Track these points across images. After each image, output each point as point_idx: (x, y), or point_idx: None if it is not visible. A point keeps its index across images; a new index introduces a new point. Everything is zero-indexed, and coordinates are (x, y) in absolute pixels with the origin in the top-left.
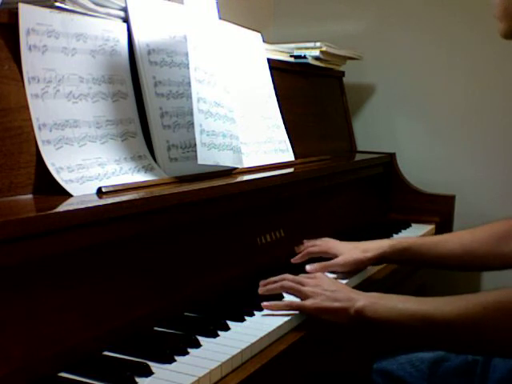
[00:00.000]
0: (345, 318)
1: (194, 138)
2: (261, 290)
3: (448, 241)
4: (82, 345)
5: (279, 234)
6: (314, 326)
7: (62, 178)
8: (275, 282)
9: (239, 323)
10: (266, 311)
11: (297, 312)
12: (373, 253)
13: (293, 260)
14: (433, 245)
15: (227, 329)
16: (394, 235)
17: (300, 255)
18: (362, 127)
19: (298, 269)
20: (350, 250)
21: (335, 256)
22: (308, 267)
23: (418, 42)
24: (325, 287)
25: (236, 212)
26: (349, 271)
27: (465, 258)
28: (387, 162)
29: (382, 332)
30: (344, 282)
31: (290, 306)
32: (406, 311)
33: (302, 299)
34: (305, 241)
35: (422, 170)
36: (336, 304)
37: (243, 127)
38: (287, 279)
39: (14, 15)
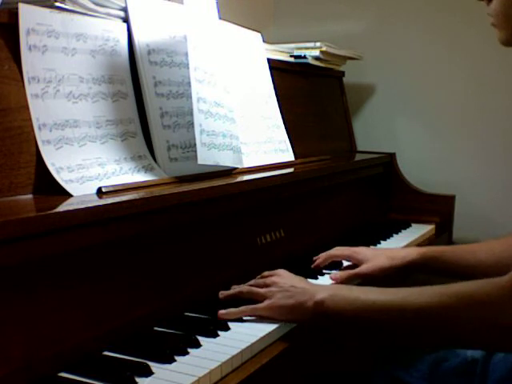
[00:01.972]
0: (301, 314)
1: (194, 138)
2: (221, 296)
3: (478, 250)
4: (81, 345)
5: (279, 233)
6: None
7: (62, 178)
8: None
9: (239, 323)
10: None
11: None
12: (400, 261)
13: (313, 266)
14: (464, 254)
15: (227, 329)
16: (394, 235)
17: (321, 258)
18: (362, 127)
19: (300, 269)
20: (375, 257)
21: (359, 262)
22: (332, 276)
23: (418, 42)
24: (281, 284)
25: (236, 212)
26: (374, 279)
27: (495, 268)
28: (387, 162)
29: (344, 326)
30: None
31: (245, 311)
32: (371, 302)
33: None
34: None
35: (422, 170)
36: (290, 301)
37: (243, 127)
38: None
39: (14, 15)
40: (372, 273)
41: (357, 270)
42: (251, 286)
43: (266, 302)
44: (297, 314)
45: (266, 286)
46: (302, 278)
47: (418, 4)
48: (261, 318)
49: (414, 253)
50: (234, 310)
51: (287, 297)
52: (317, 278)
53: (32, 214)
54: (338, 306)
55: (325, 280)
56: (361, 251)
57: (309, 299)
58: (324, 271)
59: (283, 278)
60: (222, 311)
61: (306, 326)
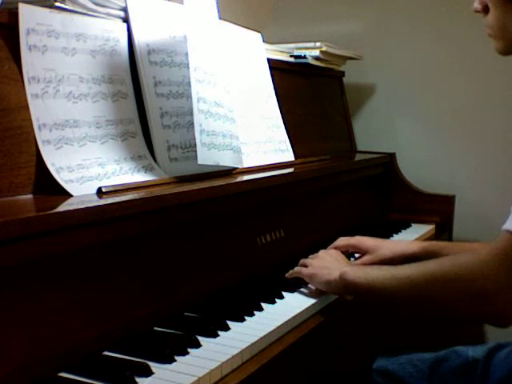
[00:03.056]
0: (330, 283)
1: (194, 138)
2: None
3: (478, 248)
4: (81, 345)
5: (279, 233)
6: (313, 327)
7: (62, 178)
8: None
9: (239, 323)
10: (266, 310)
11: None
12: (401, 253)
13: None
14: (464, 250)
15: (227, 329)
16: (394, 235)
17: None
18: (362, 127)
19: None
20: (378, 249)
21: (362, 251)
22: None
23: (418, 42)
24: (325, 259)
25: (236, 212)
26: None
27: None
28: (387, 162)
29: (360, 293)
30: None
31: (293, 272)
32: (380, 274)
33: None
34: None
35: (422, 170)
36: (324, 271)
37: (243, 127)
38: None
39: (14, 15)
40: (373, 264)
41: (359, 262)
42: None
43: (307, 269)
44: (327, 283)
45: (316, 257)
46: (344, 258)
47: (417, 4)
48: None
49: (415, 246)
50: (291, 271)
51: (323, 268)
52: None
53: (32, 214)
54: (355, 275)
55: None
56: (364, 241)
57: (336, 271)
58: None
59: (329, 254)
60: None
61: (331, 293)
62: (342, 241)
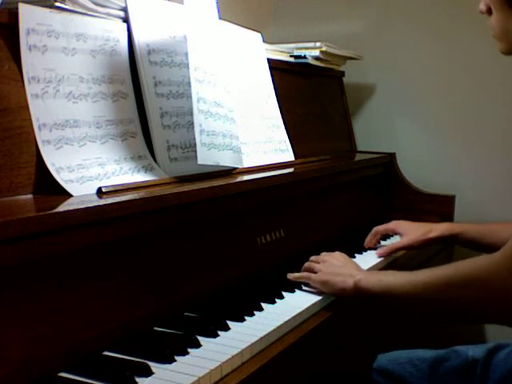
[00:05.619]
0: (343, 289)
1: (194, 138)
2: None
3: (501, 230)
4: (81, 345)
5: (279, 233)
6: (313, 327)
7: (62, 178)
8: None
9: (239, 323)
10: (266, 310)
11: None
12: (435, 233)
13: (366, 246)
14: (487, 232)
15: (227, 329)
16: (395, 235)
17: (370, 237)
18: (362, 127)
19: (299, 267)
20: (414, 230)
21: (399, 234)
22: (378, 251)
23: (418, 42)
24: (334, 264)
25: (236, 212)
26: (413, 249)
27: None
28: (387, 162)
29: (374, 300)
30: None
31: (302, 277)
32: (395, 281)
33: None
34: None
35: (421, 170)
36: (337, 278)
37: (243, 127)
38: (310, 260)
39: (14, 15)
40: (412, 244)
41: (398, 244)
42: (312, 261)
43: (317, 275)
44: (339, 290)
45: (323, 262)
46: (351, 261)
47: (417, 4)
48: (313, 289)
49: (444, 227)
50: (296, 274)
51: (335, 274)
52: None
53: (32, 214)
54: (369, 283)
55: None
56: (401, 224)
57: (350, 278)
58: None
59: (335, 259)
60: (290, 274)
61: (345, 300)
62: (380, 227)
